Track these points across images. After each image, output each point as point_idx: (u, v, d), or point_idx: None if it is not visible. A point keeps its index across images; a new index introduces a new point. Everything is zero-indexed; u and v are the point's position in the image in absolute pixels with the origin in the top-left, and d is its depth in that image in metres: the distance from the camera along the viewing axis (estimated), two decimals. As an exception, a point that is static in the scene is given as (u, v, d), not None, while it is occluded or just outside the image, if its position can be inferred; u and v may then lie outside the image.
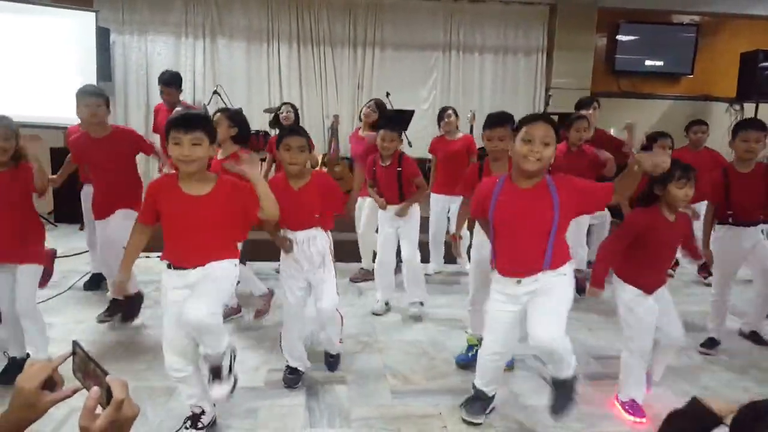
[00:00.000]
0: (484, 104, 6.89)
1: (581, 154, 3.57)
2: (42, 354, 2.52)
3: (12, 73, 5.39)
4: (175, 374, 2.05)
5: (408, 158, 3.40)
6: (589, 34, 7.10)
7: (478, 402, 2.28)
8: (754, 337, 3.21)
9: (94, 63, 5.78)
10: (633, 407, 2.33)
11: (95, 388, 0.87)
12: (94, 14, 5.88)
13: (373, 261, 3.73)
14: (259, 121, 5.81)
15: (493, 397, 2.30)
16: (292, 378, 2.55)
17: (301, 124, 4.43)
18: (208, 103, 5.69)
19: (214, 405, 2.18)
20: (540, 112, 5.48)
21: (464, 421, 2.26)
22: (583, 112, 3.95)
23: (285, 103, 4.61)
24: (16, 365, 2.50)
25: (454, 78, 7.15)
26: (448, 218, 4.24)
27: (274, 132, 4.91)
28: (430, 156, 4.58)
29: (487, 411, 2.29)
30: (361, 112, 4.37)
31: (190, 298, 1.91)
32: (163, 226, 2.02)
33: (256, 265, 4.13)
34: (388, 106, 4.69)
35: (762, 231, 2.92)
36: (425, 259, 3.73)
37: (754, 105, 6.74)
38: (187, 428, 2.12)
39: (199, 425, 2.11)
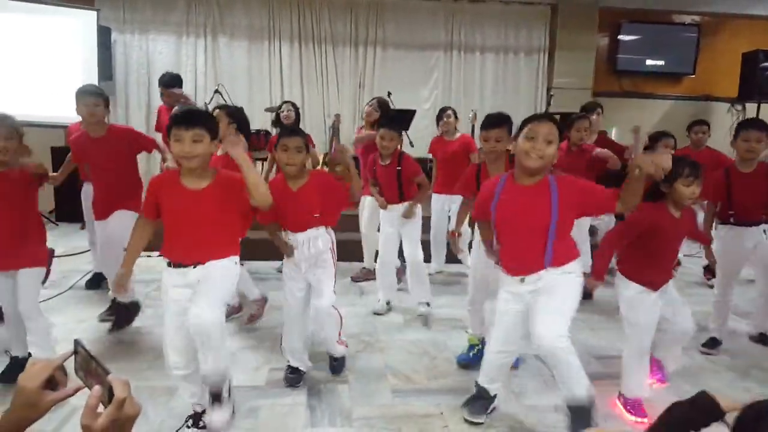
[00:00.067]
0: (485, 104, 6.89)
1: (581, 153, 3.58)
2: (47, 354, 2.51)
3: (13, 72, 5.40)
4: (176, 372, 2.05)
5: (408, 157, 3.39)
6: (591, 33, 7.11)
7: (480, 401, 2.28)
8: (762, 338, 3.17)
9: (96, 62, 5.79)
10: (634, 407, 2.32)
11: (97, 387, 0.87)
12: (95, 13, 5.89)
13: (375, 260, 3.74)
14: (260, 120, 5.82)
15: (495, 396, 2.29)
16: (294, 377, 2.54)
17: (302, 123, 4.43)
18: (209, 102, 5.69)
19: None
20: (543, 112, 5.48)
21: (466, 420, 2.25)
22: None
23: (286, 102, 4.59)
24: (18, 364, 2.50)
25: (455, 78, 7.16)
26: (449, 218, 4.24)
27: (275, 131, 4.91)
28: (430, 156, 4.58)
29: (489, 410, 2.29)
30: (363, 111, 4.38)
31: (192, 303, 1.91)
32: (164, 221, 2.03)
33: (255, 264, 4.12)
34: (390, 106, 4.69)
35: (764, 231, 2.90)
36: (426, 258, 3.72)
37: (755, 105, 6.74)
38: (188, 427, 2.12)
39: (201, 424, 2.11)
